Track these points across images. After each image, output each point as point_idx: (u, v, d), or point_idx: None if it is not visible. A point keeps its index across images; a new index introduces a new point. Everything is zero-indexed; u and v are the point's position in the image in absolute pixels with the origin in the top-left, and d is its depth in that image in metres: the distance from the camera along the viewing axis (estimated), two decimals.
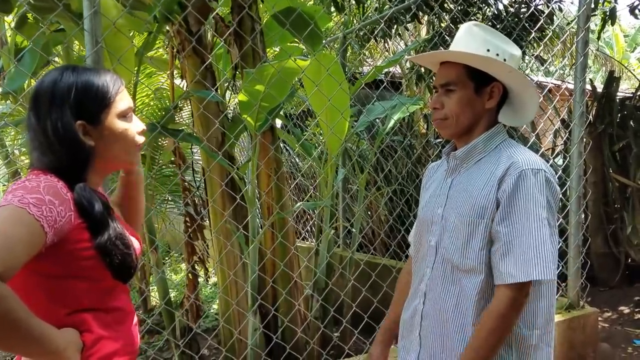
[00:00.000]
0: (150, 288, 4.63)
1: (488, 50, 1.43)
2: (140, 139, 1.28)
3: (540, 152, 4.08)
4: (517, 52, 1.48)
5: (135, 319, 1.32)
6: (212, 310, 4.93)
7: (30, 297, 1.13)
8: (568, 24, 5.50)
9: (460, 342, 1.40)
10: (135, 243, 1.31)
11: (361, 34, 5.63)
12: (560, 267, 3.17)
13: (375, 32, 4.95)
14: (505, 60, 1.43)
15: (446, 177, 1.55)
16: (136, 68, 2.78)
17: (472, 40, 1.45)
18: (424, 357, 1.48)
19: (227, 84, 3.45)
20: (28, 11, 2.21)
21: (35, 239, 1.01)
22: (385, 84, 3.05)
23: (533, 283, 1.32)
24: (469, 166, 1.48)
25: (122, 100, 1.24)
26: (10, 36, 5.09)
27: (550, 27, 4.92)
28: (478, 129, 1.47)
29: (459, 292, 1.41)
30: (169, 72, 3.42)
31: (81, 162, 1.18)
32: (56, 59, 4.16)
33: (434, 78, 1.60)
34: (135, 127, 1.27)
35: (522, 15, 4.79)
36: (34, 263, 1.06)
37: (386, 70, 4.83)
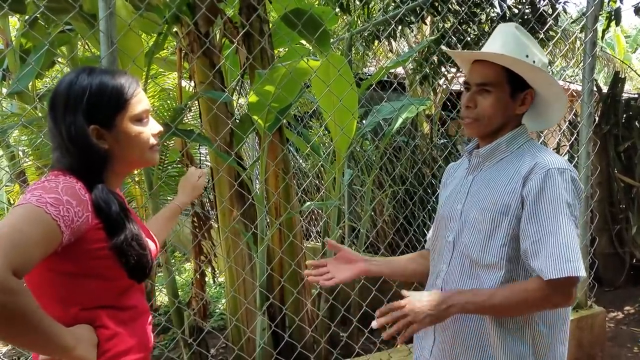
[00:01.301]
0: (156, 288, 4.64)
1: (527, 56, 1.42)
2: (155, 140, 1.28)
3: None
4: (546, 59, 1.49)
5: (150, 318, 1.33)
6: (217, 310, 4.94)
7: (45, 293, 1.15)
8: (573, 21, 5.51)
9: (477, 339, 1.40)
10: (151, 245, 1.32)
11: (366, 34, 5.64)
12: None
13: (387, 32, 4.95)
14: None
15: (467, 175, 1.55)
16: (146, 68, 2.79)
17: (510, 42, 1.44)
18: (436, 352, 1.49)
19: (234, 84, 3.46)
20: (41, 12, 2.21)
21: (51, 238, 1.02)
22: (395, 84, 3.05)
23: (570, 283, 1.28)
24: (492, 164, 1.48)
25: (138, 104, 1.23)
26: (15, 37, 5.10)
27: (557, 28, 4.93)
28: (504, 130, 1.47)
29: (477, 287, 1.40)
30: (176, 73, 3.43)
31: (97, 165, 1.19)
32: (60, 59, 4.17)
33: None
34: (150, 130, 1.27)
35: (527, 17, 4.80)
36: (51, 261, 1.07)
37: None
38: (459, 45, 4.42)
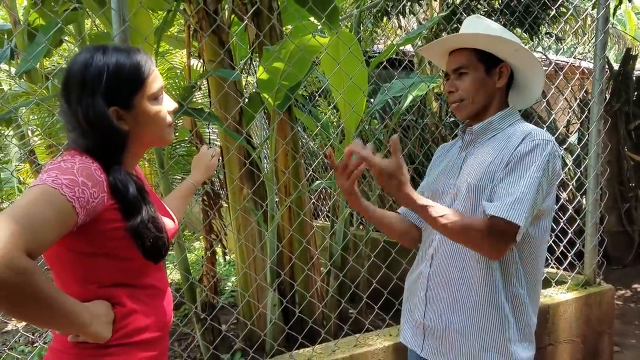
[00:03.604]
0: (168, 265, 4.70)
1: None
2: (171, 118, 1.28)
3: (559, 131, 4.07)
4: (519, 40, 1.57)
5: (170, 297, 1.34)
6: (227, 288, 5.00)
7: (64, 271, 1.17)
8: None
9: (465, 302, 1.49)
10: (169, 224, 1.33)
11: (374, 11, 5.59)
12: (578, 245, 3.19)
13: (397, 9, 4.90)
14: None
15: (460, 152, 1.64)
16: (155, 46, 2.78)
17: (476, 28, 1.55)
18: (431, 315, 1.57)
19: (242, 62, 3.45)
20: None
21: (66, 218, 1.02)
22: (405, 62, 3.03)
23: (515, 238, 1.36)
24: (484, 141, 1.57)
25: (155, 82, 1.21)
26: (22, 16, 5.08)
27: (568, 4, 4.86)
28: (491, 108, 1.58)
29: (465, 254, 1.49)
30: (185, 51, 3.42)
31: (116, 146, 1.18)
32: (67, 37, 4.17)
33: None
34: (166, 107, 1.26)
35: None
36: (68, 240, 1.08)
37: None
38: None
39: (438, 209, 1.37)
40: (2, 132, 4.12)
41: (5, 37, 4.36)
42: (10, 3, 4.68)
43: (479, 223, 1.36)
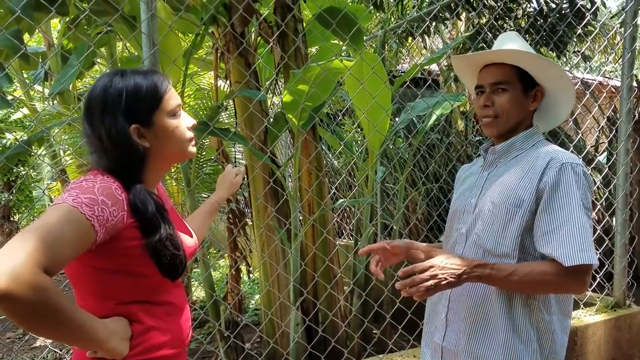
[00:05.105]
0: (193, 283, 4.74)
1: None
2: (191, 133, 1.32)
3: (586, 150, 4.02)
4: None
5: (188, 314, 1.36)
6: (250, 306, 5.02)
7: (83, 287, 1.21)
8: (612, 16, 5.38)
9: (486, 326, 1.47)
10: (189, 241, 1.36)
11: (399, 31, 5.63)
12: (607, 266, 3.13)
13: (422, 29, 4.94)
14: None
15: (482, 171, 1.63)
16: (184, 68, 2.86)
17: (516, 44, 1.54)
18: (451, 336, 1.55)
19: (268, 83, 3.51)
20: (82, 14, 2.30)
21: (84, 236, 1.05)
22: (429, 82, 3.05)
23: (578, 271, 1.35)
24: (507, 161, 1.56)
25: (172, 99, 1.26)
26: (56, 39, 5.26)
27: (595, 23, 4.83)
28: (519, 129, 1.56)
29: None
30: (212, 72, 3.50)
31: (137, 164, 1.22)
32: (99, 60, 4.30)
33: None
34: (185, 123, 1.31)
35: (564, 12, 4.72)
36: (87, 257, 1.11)
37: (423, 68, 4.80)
38: (494, 42, 4.38)
39: (506, 274, 1.35)
40: (35, 151, 4.24)
41: (40, 59, 4.52)
42: (45, 27, 4.85)
43: (554, 269, 1.35)
